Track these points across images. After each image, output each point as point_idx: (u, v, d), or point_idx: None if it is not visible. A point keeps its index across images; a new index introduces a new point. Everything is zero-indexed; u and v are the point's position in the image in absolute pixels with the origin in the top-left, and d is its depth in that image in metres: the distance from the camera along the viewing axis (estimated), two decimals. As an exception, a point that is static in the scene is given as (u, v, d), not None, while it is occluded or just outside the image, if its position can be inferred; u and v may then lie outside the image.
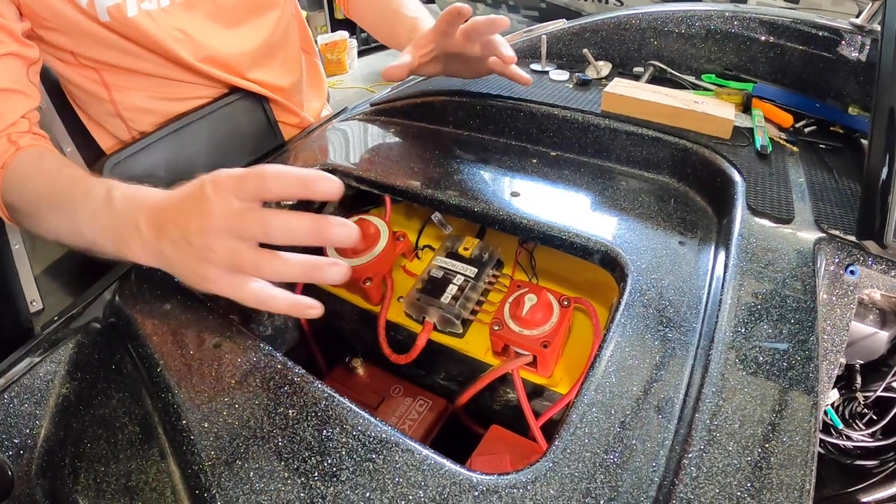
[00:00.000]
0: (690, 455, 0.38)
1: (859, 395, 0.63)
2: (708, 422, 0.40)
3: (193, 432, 0.43)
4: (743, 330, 0.47)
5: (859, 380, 0.64)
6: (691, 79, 0.88)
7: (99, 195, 0.57)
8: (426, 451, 0.40)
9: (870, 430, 0.63)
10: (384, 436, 0.42)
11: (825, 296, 0.54)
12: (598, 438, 0.41)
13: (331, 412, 0.43)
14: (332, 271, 0.47)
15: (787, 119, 0.79)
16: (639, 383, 0.45)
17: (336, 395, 0.45)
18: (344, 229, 0.46)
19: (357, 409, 0.44)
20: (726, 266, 0.53)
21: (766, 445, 0.39)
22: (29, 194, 0.64)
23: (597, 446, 0.40)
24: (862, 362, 0.64)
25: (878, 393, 0.62)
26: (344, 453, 0.41)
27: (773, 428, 0.40)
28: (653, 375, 0.45)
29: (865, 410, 0.64)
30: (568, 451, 0.40)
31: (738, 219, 0.58)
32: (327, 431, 0.42)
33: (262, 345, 0.49)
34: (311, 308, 0.48)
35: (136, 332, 0.53)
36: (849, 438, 0.63)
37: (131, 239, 0.53)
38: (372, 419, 0.43)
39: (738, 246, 0.55)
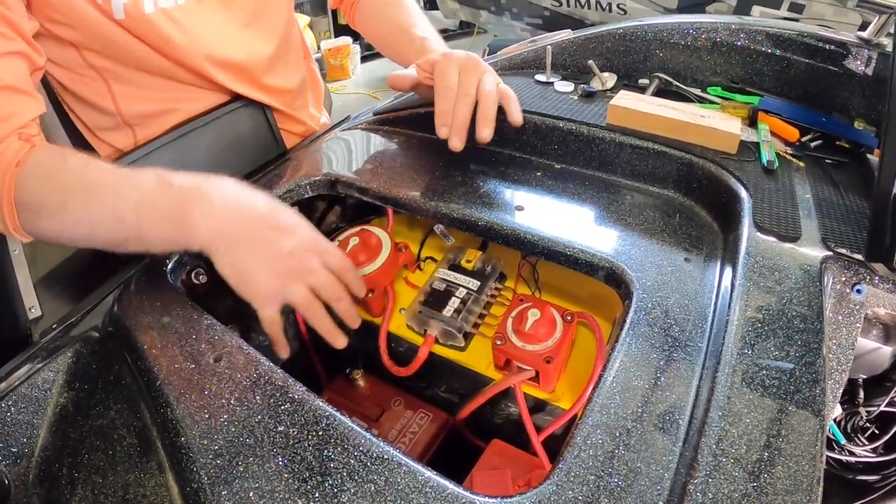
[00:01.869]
0: (696, 481, 0.38)
1: (862, 410, 0.63)
2: (714, 446, 0.40)
3: (193, 449, 0.42)
4: (749, 352, 0.46)
5: (862, 394, 0.63)
6: (697, 91, 0.88)
7: (148, 180, 0.60)
8: (429, 473, 0.40)
9: (872, 446, 0.62)
10: (386, 456, 0.41)
11: (831, 314, 0.53)
12: (603, 461, 0.40)
13: (332, 431, 0.43)
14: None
15: (793, 133, 0.78)
16: (644, 404, 0.44)
17: (337, 414, 0.44)
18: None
19: (359, 429, 0.43)
20: (733, 285, 0.53)
21: (772, 471, 0.39)
22: (54, 189, 0.63)
23: (601, 469, 0.40)
24: (865, 377, 0.63)
25: (882, 408, 0.61)
26: (345, 474, 0.40)
27: (780, 453, 0.40)
28: (658, 396, 0.45)
29: (867, 425, 0.63)
30: (572, 473, 0.40)
31: (744, 236, 0.58)
32: (328, 451, 0.41)
33: (262, 359, 0.49)
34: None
35: (134, 345, 0.52)
36: (851, 454, 0.63)
37: (195, 207, 0.57)
38: (374, 439, 0.42)
39: (745, 264, 0.54)
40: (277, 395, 0.46)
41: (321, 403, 0.45)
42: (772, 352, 0.46)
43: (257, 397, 0.46)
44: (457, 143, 0.73)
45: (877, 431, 0.63)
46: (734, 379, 0.44)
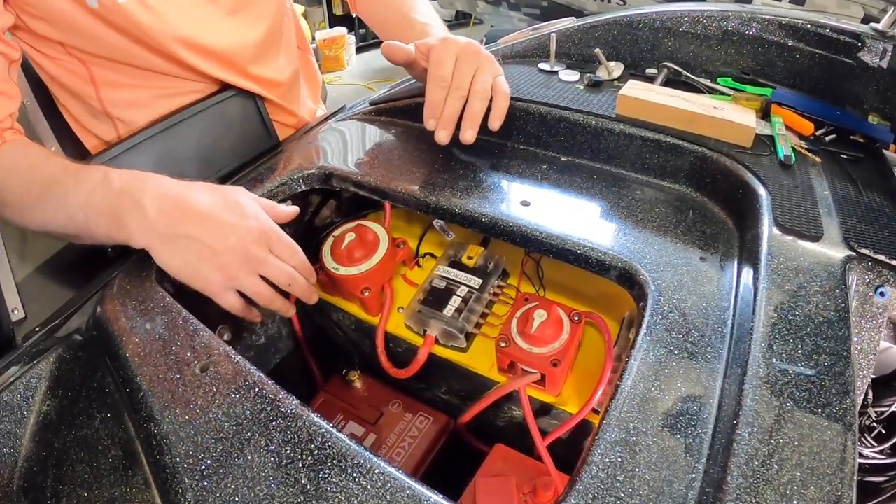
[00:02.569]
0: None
1: (871, 411, 0.61)
2: (744, 466, 0.37)
3: (178, 469, 0.39)
4: (777, 361, 0.43)
5: (871, 395, 0.61)
6: (707, 82, 0.85)
7: (94, 177, 0.61)
8: (435, 497, 0.37)
9: (880, 447, 0.60)
10: (388, 478, 0.38)
11: (855, 318, 0.51)
12: (623, 481, 0.37)
13: (328, 451, 0.40)
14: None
15: (807, 127, 0.75)
16: (664, 418, 0.41)
17: (334, 431, 0.41)
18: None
19: (358, 448, 0.40)
20: (756, 288, 0.50)
21: (805, 492, 0.36)
22: (14, 184, 0.65)
23: (621, 490, 0.37)
24: (874, 377, 0.61)
25: (893, 409, 0.59)
26: (343, 499, 0.37)
27: (812, 472, 0.37)
28: (678, 409, 0.42)
29: (875, 425, 0.61)
30: (590, 495, 0.37)
31: (765, 235, 0.55)
32: (324, 473, 0.38)
33: (251, 369, 0.46)
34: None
35: (116, 352, 0.49)
36: (859, 454, 0.60)
37: (130, 215, 0.57)
38: (375, 458, 0.39)
39: (768, 266, 0.51)
40: (268, 409, 0.43)
41: (316, 419, 0.42)
42: (800, 361, 0.43)
43: (246, 412, 0.42)
44: (443, 137, 0.71)
45: (883, 431, 0.61)
46: (762, 392, 0.41)
